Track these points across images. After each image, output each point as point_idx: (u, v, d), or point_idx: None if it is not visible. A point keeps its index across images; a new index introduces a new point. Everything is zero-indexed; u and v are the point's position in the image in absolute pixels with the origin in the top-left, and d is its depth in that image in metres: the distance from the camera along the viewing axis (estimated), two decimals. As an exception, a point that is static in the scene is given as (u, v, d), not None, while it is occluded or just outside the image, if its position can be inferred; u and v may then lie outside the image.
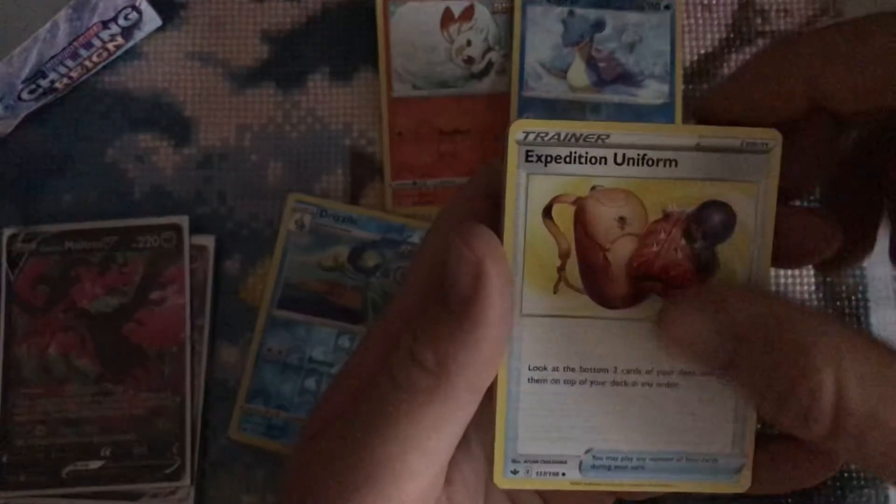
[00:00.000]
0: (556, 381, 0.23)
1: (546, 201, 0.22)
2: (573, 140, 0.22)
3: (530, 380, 0.23)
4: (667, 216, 0.23)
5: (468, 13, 0.45)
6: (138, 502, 0.41)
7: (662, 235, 0.22)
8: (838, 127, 0.23)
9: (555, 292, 0.23)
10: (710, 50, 0.46)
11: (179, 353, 0.42)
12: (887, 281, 0.44)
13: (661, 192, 0.22)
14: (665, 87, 0.44)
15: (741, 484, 0.24)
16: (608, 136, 0.22)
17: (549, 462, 0.23)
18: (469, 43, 0.45)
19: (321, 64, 0.46)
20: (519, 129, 0.22)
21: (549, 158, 0.22)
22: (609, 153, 0.22)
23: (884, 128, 0.25)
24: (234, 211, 0.44)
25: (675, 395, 0.23)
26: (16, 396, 0.42)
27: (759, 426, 0.24)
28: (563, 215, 0.22)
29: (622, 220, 0.23)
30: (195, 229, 0.43)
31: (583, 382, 0.23)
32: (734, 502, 0.42)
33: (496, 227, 0.22)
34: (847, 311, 0.44)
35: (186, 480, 0.41)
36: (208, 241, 0.43)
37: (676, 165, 0.22)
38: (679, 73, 0.44)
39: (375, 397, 0.22)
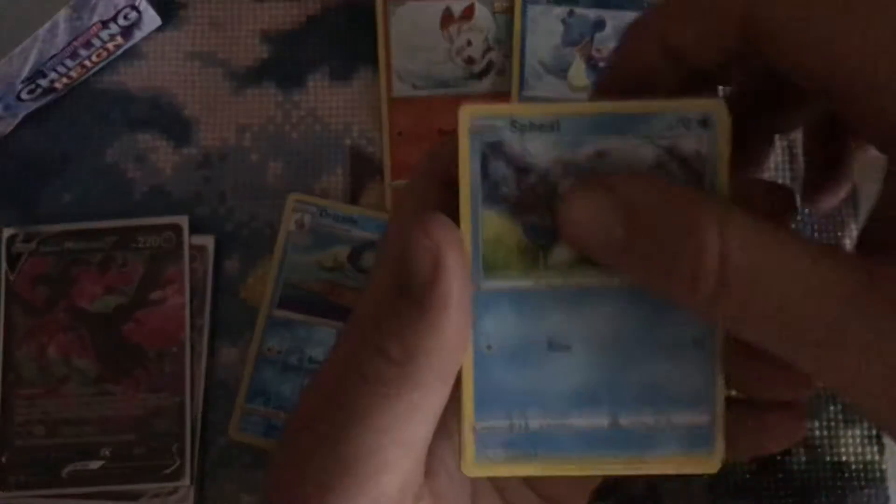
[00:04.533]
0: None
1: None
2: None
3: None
4: None
5: (468, 13, 0.45)
6: (138, 502, 0.41)
7: None
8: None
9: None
10: (710, 50, 0.46)
11: (179, 353, 0.42)
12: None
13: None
14: (665, 87, 0.44)
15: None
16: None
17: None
18: (469, 43, 0.45)
19: (321, 64, 0.46)
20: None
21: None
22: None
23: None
24: (234, 211, 0.44)
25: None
26: (16, 397, 0.42)
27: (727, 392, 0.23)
28: None
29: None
30: (195, 229, 0.43)
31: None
32: (737, 497, 0.42)
33: (454, 211, 0.22)
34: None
35: (186, 480, 0.41)
36: (208, 241, 0.43)
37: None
38: (679, 72, 0.44)
39: (346, 394, 0.22)
